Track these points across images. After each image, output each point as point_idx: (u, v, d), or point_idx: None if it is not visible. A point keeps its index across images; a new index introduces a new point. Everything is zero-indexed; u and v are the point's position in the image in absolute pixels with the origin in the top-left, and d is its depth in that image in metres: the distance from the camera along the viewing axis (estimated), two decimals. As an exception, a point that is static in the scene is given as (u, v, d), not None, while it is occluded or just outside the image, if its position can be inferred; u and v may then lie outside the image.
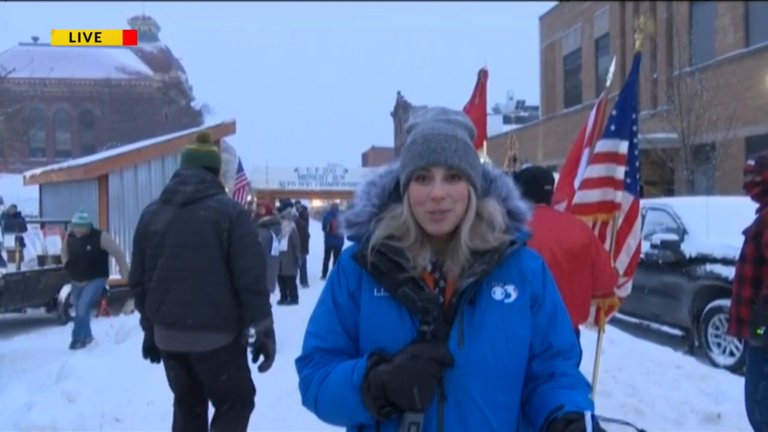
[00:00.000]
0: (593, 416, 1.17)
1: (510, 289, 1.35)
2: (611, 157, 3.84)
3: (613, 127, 3.87)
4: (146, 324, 3.18)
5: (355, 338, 1.36)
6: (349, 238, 1.41)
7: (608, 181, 3.84)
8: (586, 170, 3.95)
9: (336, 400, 1.29)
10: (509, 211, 1.39)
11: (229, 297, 3.02)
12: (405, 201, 1.34)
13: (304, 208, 15.33)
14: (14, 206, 18.87)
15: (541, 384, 1.35)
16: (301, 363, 1.39)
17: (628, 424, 1.20)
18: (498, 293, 1.33)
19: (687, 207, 7.56)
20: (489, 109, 5.78)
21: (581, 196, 3.89)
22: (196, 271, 2.99)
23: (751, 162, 3.43)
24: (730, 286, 4.14)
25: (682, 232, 7.19)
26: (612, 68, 4.49)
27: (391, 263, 1.31)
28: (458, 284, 1.31)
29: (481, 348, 1.29)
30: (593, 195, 3.85)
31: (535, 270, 1.39)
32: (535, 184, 3.33)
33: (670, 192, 15.22)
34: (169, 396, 3.31)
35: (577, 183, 4.03)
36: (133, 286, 3.21)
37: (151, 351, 3.23)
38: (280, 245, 8.92)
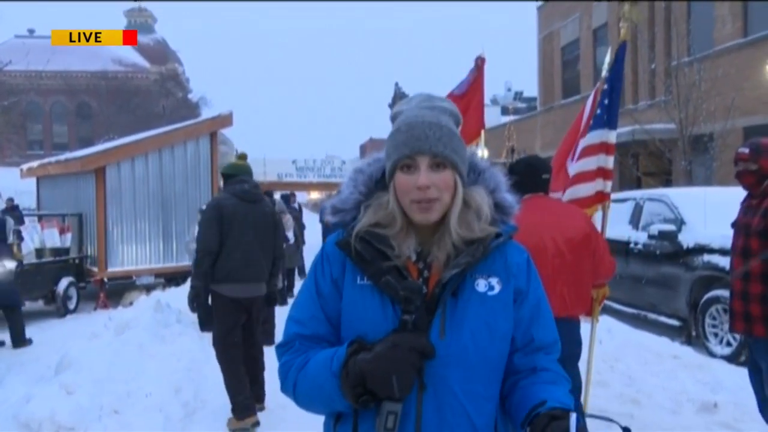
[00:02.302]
0: (576, 415, 1.17)
1: (494, 281, 1.34)
2: (603, 148, 3.84)
3: (605, 117, 3.86)
4: (203, 282, 4.37)
5: (336, 326, 1.35)
6: (335, 225, 1.40)
7: (599, 172, 3.83)
8: (581, 163, 3.93)
9: (314, 387, 1.29)
10: (497, 203, 1.38)
11: (271, 261, 4.71)
12: (391, 190, 1.33)
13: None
14: (11, 199, 18.84)
15: (523, 378, 1.34)
16: (282, 349, 1.39)
17: (611, 420, 1.21)
18: (481, 285, 1.32)
19: (685, 197, 7.57)
20: (486, 100, 5.72)
21: (577, 190, 3.88)
22: (265, 245, 4.60)
23: (745, 150, 3.32)
24: (729, 277, 4.11)
25: (680, 222, 7.20)
26: (608, 58, 4.48)
27: (375, 251, 1.31)
28: (442, 275, 1.30)
29: (463, 339, 1.28)
30: (588, 188, 3.85)
31: (519, 263, 1.38)
32: (533, 174, 3.31)
33: (668, 183, 15.21)
34: (165, 389, 3.35)
35: (572, 172, 4.02)
36: (208, 254, 4.35)
37: (198, 300, 4.48)
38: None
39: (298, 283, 10.79)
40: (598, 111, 3.95)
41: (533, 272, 1.41)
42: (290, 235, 9.68)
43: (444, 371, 1.26)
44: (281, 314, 4.49)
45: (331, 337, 1.36)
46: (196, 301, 4.46)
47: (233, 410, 4.38)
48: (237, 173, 4.67)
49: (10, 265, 7.54)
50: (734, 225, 3.47)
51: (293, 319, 1.40)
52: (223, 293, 4.40)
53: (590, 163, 3.87)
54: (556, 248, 3.12)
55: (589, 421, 1.19)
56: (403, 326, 1.25)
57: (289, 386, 1.35)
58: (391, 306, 1.29)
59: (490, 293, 1.33)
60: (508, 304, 1.34)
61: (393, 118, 1.39)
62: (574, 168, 3.99)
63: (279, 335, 5.58)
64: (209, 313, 4.56)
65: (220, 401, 4.79)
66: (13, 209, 16.54)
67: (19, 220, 12.06)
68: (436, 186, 1.28)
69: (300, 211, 14.95)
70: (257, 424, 4.39)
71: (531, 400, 1.28)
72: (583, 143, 3.98)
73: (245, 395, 4.39)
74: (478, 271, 1.33)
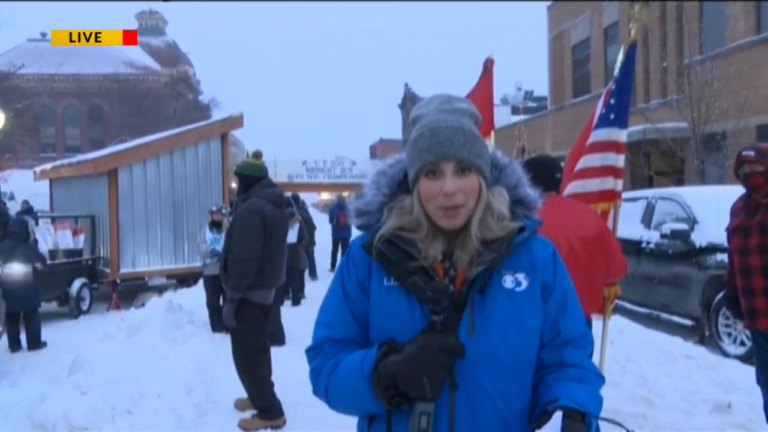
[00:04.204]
0: (564, 414, 1.17)
1: (520, 277, 1.33)
2: (611, 146, 3.84)
3: (612, 116, 3.87)
4: (243, 293, 4.26)
5: (365, 327, 1.36)
6: (359, 227, 1.40)
7: (608, 170, 3.84)
8: (585, 160, 3.94)
9: (346, 390, 1.30)
10: (519, 199, 1.37)
11: None
12: (415, 196, 1.32)
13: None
14: (26, 202, 19.02)
15: (549, 373, 1.33)
16: (312, 353, 1.39)
17: (619, 425, 1.21)
18: (508, 282, 1.32)
19: (697, 196, 7.51)
20: (497, 100, 5.74)
21: (582, 185, 3.89)
22: (284, 248, 4.71)
23: (750, 152, 3.37)
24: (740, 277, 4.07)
25: (692, 221, 7.15)
26: (620, 57, 4.47)
27: (401, 252, 1.30)
28: (468, 273, 1.29)
29: (492, 337, 1.28)
30: (593, 184, 3.85)
31: (545, 258, 1.38)
32: (546, 173, 3.31)
33: (680, 182, 15.09)
34: (177, 389, 3.37)
35: (575, 168, 4.03)
36: (255, 265, 4.27)
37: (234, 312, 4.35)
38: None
39: (308, 285, 10.84)
40: (604, 110, 3.96)
41: (560, 265, 1.39)
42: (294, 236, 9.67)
43: (475, 370, 1.26)
44: (293, 315, 4.50)
45: (360, 338, 1.36)
46: (233, 314, 4.29)
47: (264, 412, 4.40)
48: (263, 175, 4.56)
49: (39, 264, 7.65)
50: (736, 228, 3.47)
51: (321, 323, 1.40)
52: (254, 300, 4.36)
53: (594, 159, 3.89)
54: (570, 247, 3.12)
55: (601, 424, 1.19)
56: (432, 327, 1.26)
57: (321, 390, 1.36)
58: (419, 306, 1.29)
59: (517, 289, 1.32)
60: (536, 300, 1.33)
61: (412, 122, 1.38)
62: (578, 164, 4.00)
63: (288, 336, 5.65)
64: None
65: (232, 401, 4.81)
66: (28, 212, 16.71)
67: (34, 223, 12.17)
68: (462, 191, 1.28)
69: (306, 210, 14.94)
70: (285, 422, 4.45)
71: (546, 397, 1.28)
72: (589, 141, 3.99)
73: (275, 396, 4.46)
74: (504, 267, 1.32)
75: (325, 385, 1.34)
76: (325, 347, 1.37)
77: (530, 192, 1.39)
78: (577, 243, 3.13)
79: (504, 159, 1.42)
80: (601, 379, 1.37)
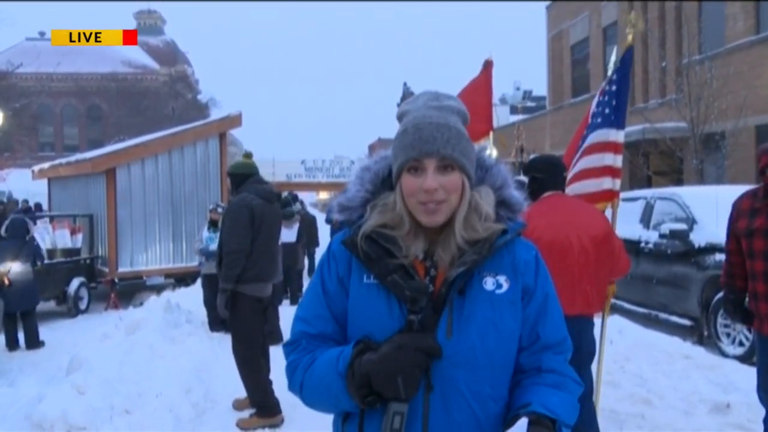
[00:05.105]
0: (528, 422, 1.17)
1: (501, 279, 1.32)
2: (609, 146, 3.85)
3: (612, 117, 3.88)
4: (234, 284, 4.39)
5: (343, 324, 1.35)
6: (342, 223, 1.39)
7: (606, 170, 3.84)
8: (585, 161, 3.94)
9: (321, 387, 1.29)
10: (503, 200, 1.36)
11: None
12: (397, 192, 1.31)
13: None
14: (26, 201, 19.00)
15: (525, 378, 1.32)
16: (288, 348, 1.38)
17: None
18: (489, 283, 1.31)
19: (696, 196, 7.51)
20: (495, 99, 5.74)
21: (583, 186, 3.88)
22: (277, 244, 4.83)
23: None
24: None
25: (691, 221, 7.15)
26: (614, 57, 4.48)
27: (382, 250, 1.29)
28: (448, 273, 1.28)
29: (470, 339, 1.26)
30: (594, 184, 3.85)
31: (527, 261, 1.36)
32: (555, 172, 3.33)
33: (679, 182, 15.09)
34: (175, 389, 3.37)
35: (575, 169, 4.03)
36: (244, 256, 4.39)
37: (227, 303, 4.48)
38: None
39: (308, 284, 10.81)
40: (606, 110, 3.96)
41: (542, 269, 1.38)
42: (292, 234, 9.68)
43: (451, 371, 1.25)
44: (291, 315, 4.48)
45: (338, 335, 1.35)
46: (226, 305, 4.44)
47: (262, 409, 4.43)
48: (253, 172, 4.73)
49: (39, 261, 7.65)
50: (756, 230, 3.31)
51: (299, 318, 1.40)
52: (248, 293, 4.45)
53: (594, 160, 3.89)
54: (581, 246, 3.13)
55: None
56: (410, 326, 1.24)
57: (296, 386, 1.35)
58: (397, 305, 1.28)
59: (498, 291, 1.31)
60: (516, 303, 1.32)
61: (399, 118, 1.37)
62: (577, 165, 4.00)
63: (286, 336, 5.65)
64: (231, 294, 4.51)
65: (230, 401, 4.81)
66: (26, 211, 16.68)
67: (33, 222, 12.13)
68: (443, 188, 1.27)
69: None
70: (283, 421, 4.46)
71: (520, 401, 1.27)
72: (587, 141, 3.99)
73: (274, 394, 4.48)
74: (486, 268, 1.31)
75: (300, 381, 1.33)
76: (302, 343, 1.36)
77: (515, 194, 1.37)
78: (588, 242, 3.15)
79: (490, 159, 1.41)
80: (579, 387, 1.35)
